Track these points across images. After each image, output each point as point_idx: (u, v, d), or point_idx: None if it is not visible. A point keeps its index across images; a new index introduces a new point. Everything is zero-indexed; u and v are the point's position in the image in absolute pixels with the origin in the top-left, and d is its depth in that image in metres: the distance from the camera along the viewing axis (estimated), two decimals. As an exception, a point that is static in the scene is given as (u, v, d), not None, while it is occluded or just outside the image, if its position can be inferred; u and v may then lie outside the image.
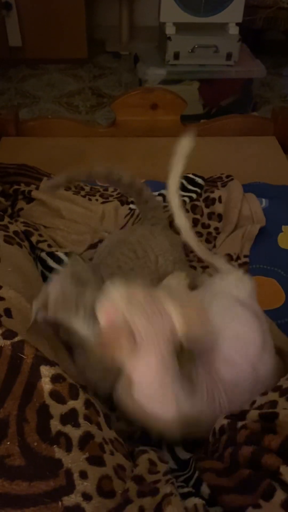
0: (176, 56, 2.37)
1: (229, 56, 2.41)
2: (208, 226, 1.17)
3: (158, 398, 0.64)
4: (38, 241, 1.03)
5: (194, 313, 0.61)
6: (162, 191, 1.25)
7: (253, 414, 0.59)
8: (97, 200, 1.21)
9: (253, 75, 2.51)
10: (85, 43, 3.08)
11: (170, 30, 2.34)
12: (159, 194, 1.25)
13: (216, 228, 1.17)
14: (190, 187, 1.24)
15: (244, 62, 2.48)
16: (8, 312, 0.72)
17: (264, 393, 0.66)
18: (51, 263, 1.01)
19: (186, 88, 2.44)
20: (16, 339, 0.63)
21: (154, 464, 0.61)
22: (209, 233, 1.16)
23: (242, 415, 0.61)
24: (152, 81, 2.40)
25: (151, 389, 0.64)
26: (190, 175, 1.26)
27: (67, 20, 2.96)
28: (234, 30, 2.37)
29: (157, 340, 0.61)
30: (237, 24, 2.36)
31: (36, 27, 2.97)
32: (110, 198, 1.26)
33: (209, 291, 0.77)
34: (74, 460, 0.54)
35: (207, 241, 1.14)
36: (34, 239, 1.03)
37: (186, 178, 1.26)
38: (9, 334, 0.64)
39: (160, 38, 2.48)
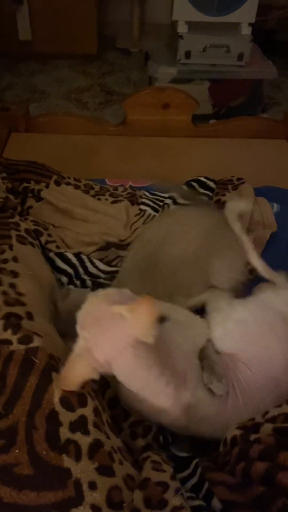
0: (188, 55, 2.35)
1: (240, 56, 2.38)
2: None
3: (148, 392, 0.65)
4: (47, 242, 1.02)
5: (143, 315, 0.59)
6: (172, 194, 1.24)
7: (267, 427, 0.58)
8: (106, 199, 1.20)
9: (264, 76, 2.48)
10: (95, 39, 3.05)
11: (182, 28, 2.31)
12: (169, 197, 1.23)
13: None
14: (201, 190, 1.22)
15: (255, 62, 2.45)
16: (29, 316, 0.72)
17: (279, 406, 0.65)
18: (59, 263, 1.00)
19: (196, 87, 2.41)
20: (31, 344, 0.63)
21: (159, 463, 0.60)
22: None
23: (255, 427, 0.60)
24: (162, 80, 2.38)
25: (139, 384, 0.64)
26: (202, 178, 1.24)
27: (78, 15, 2.93)
28: (246, 30, 2.35)
29: (119, 346, 0.60)
30: (249, 24, 2.34)
31: (47, 22, 2.95)
32: (120, 198, 1.25)
33: (259, 302, 0.80)
34: (83, 470, 0.53)
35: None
36: (43, 239, 1.02)
37: (198, 181, 1.25)
38: (26, 339, 0.64)
39: (172, 36, 2.46)
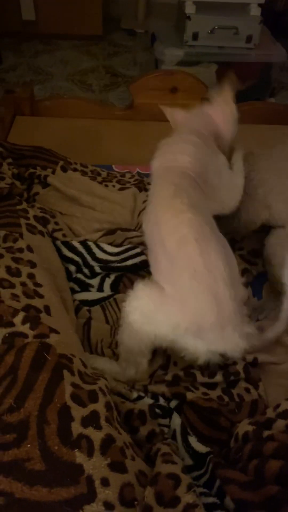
0: (195, 36, 2.30)
1: (249, 38, 2.33)
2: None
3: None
4: (54, 230, 1.00)
5: None
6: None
7: (280, 424, 0.57)
8: (114, 186, 1.18)
9: (273, 59, 2.43)
10: (100, 19, 2.99)
11: (189, 9, 2.25)
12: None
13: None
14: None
15: (264, 45, 2.40)
16: (47, 309, 0.71)
17: (288, 398, 0.64)
18: (66, 252, 0.98)
19: (204, 70, 2.36)
20: (47, 340, 0.62)
21: (169, 454, 0.59)
22: None
23: (268, 423, 0.59)
24: (169, 62, 2.33)
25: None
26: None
27: (83, -6, 2.87)
28: (256, 11, 2.29)
29: None
30: (259, 5, 2.28)
31: (50, 1, 2.88)
32: (127, 185, 1.22)
33: None
34: (95, 466, 0.52)
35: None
36: (49, 227, 1.00)
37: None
38: (42, 335, 0.64)
39: (179, 17, 2.40)
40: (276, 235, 0.96)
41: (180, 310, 0.71)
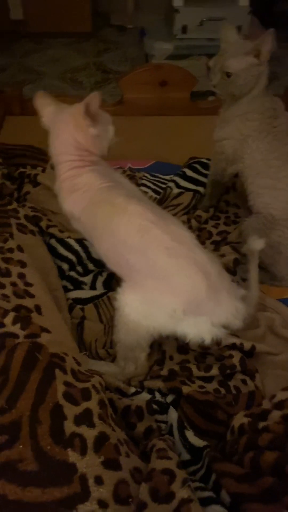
0: (184, 29, 2.28)
1: (238, 28, 2.30)
2: (227, 211, 1.15)
3: None
4: (48, 226, 1.00)
5: None
6: (174, 177, 1.21)
7: (275, 415, 0.57)
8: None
9: (264, 49, 2.41)
10: (89, 16, 2.96)
11: (178, 1, 2.24)
12: (171, 180, 1.21)
13: (235, 213, 1.15)
14: (204, 171, 1.19)
15: (255, 35, 2.37)
16: (38, 309, 0.70)
17: (285, 388, 0.63)
18: (61, 250, 0.98)
19: (194, 63, 2.34)
20: (38, 339, 0.62)
21: (164, 450, 0.59)
22: (227, 217, 1.15)
23: (263, 414, 0.59)
24: (159, 56, 2.32)
25: None
26: (204, 160, 1.22)
27: (71, -8, 2.85)
28: (244, 2, 2.27)
29: None
30: (248, -6, 2.27)
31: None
32: (119, 181, 1.22)
33: None
34: (89, 465, 0.52)
35: (225, 224, 1.12)
36: (43, 224, 1.00)
37: (200, 162, 1.22)
38: (33, 335, 0.64)
39: (167, 11, 2.39)
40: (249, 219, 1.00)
41: (171, 295, 0.70)
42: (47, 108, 0.84)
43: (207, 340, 0.72)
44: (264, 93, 0.99)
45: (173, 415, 0.71)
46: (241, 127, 0.98)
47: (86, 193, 0.77)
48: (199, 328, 0.71)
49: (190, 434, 0.68)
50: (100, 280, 0.96)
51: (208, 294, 0.69)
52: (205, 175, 1.18)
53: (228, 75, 0.95)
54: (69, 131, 0.79)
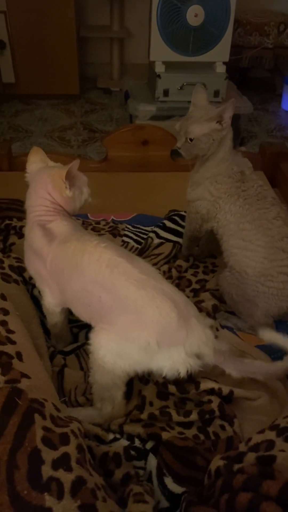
0: (166, 93, 2.43)
1: (216, 93, 2.47)
2: (205, 261, 1.20)
3: None
4: (31, 277, 1.02)
5: None
6: (155, 229, 1.26)
7: (250, 456, 0.58)
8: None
9: (241, 111, 2.57)
10: (77, 79, 3.15)
11: (159, 68, 2.40)
12: (152, 231, 1.25)
13: (213, 263, 1.19)
14: (183, 223, 1.25)
15: (231, 98, 2.54)
16: (19, 355, 0.72)
17: (261, 431, 0.64)
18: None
19: (175, 124, 2.48)
20: (18, 385, 0.63)
21: (141, 494, 0.59)
22: (205, 267, 1.19)
23: (239, 457, 0.60)
24: (142, 117, 2.45)
25: None
26: (182, 213, 1.27)
27: (60, 58, 3.04)
28: (221, 69, 2.45)
29: None
30: (224, 63, 2.44)
31: (30, 65, 3.04)
32: (102, 232, 1.26)
33: None
34: (65, 509, 0.52)
35: (204, 272, 1.16)
36: (26, 274, 1.02)
37: (179, 215, 1.28)
38: (13, 380, 0.64)
39: (150, 76, 2.55)
40: (224, 274, 1.03)
41: (144, 328, 0.72)
42: (32, 165, 0.90)
43: (182, 372, 0.74)
44: (231, 155, 1.04)
45: (152, 462, 0.71)
46: (211, 189, 1.03)
47: (56, 234, 0.84)
48: (173, 360, 0.73)
49: (169, 481, 0.68)
50: (83, 332, 0.98)
51: (179, 323, 0.72)
52: (184, 227, 1.23)
53: (190, 139, 1.01)
54: (46, 189, 0.86)
